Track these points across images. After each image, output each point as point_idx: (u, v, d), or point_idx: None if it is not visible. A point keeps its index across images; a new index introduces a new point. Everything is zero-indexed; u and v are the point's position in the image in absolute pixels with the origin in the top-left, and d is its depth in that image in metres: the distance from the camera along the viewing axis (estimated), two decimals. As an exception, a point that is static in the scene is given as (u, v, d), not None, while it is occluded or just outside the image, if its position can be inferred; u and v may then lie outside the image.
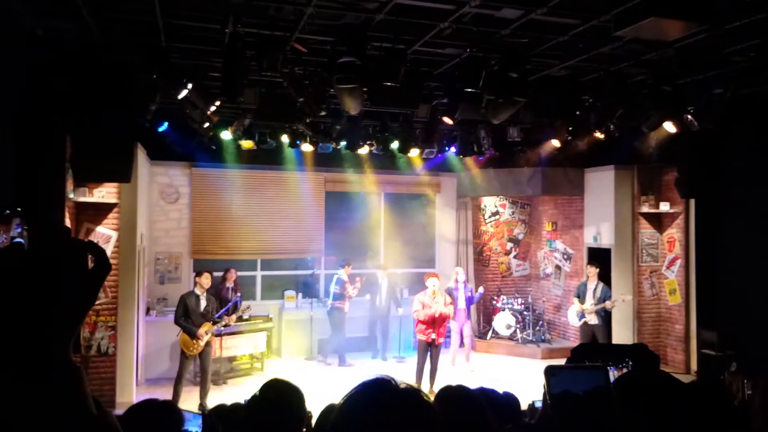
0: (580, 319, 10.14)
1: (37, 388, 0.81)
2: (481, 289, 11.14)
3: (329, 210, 12.31)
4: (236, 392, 8.73)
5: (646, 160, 10.58)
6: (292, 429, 2.63)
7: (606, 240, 11.40)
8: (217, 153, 10.84)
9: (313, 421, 3.44)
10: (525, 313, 12.46)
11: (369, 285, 11.59)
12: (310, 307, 11.44)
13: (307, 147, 10.34)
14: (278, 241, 11.88)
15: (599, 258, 10.82)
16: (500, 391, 4.03)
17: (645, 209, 11.05)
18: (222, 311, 8.89)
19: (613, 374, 2.67)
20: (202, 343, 8.23)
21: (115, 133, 7.64)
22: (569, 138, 9.21)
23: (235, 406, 4.36)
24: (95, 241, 0.95)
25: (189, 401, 8.23)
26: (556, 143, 9.72)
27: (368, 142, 10.27)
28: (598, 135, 8.45)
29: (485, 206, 13.63)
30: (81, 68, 6.31)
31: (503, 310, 12.54)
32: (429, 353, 9.19)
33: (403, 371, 10.13)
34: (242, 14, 5.39)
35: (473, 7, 5.33)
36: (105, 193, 8.42)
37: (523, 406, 4.32)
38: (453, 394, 2.61)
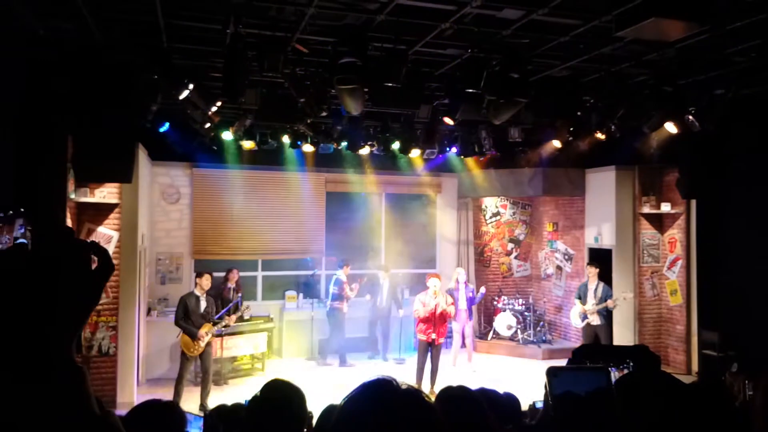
0: (582, 320, 10.08)
1: (40, 388, 0.81)
2: (482, 290, 11.15)
3: (330, 210, 12.30)
4: (237, 392, 8.73)
5: (647, 160, 10.58)
6: (293, 429, 2.64)
7: (607, 240, 11.39)
8: (218, 153, 10.84)
9: (314, 422, 3.43)
10: (526, 313, 12.44)
11: (370, 285, 11.59)
12: (311, 308, 11.45)
13: (308, 147, 10.35)
14: (279, 242, 11.89)
15: (600, 258, 10.80)
16: (501, 391, 4.03)
17: (646, 210, 11.04)
18: (223, 311, 8.90)
19: (614, 375, 2.67)
20: (202, 344, 8.24)
21: (116, 133, 7.65)
22: (570, 138, 9.21)
23: (236, 407, 4.35)
24: (96, 241, 0.95)
25: (190, 402, 8.23)
26: (557, 144, 9.70)
27: (369, 143, 10.27)
28: (599, 135, 8.45)
29: (486, 207, 13.63)
30: (81, 68, 6.31)
31: (504, 310, 12.53)
32: (429, 353, 9.19)
33: (403, 372, 10.13)
34: (243, 15, 5.40)
35: (474, 8, 5.33)
36: (106, 193, 8.43)
37: (524, 407, 4.32)
38: (454, 395, 2.60)
